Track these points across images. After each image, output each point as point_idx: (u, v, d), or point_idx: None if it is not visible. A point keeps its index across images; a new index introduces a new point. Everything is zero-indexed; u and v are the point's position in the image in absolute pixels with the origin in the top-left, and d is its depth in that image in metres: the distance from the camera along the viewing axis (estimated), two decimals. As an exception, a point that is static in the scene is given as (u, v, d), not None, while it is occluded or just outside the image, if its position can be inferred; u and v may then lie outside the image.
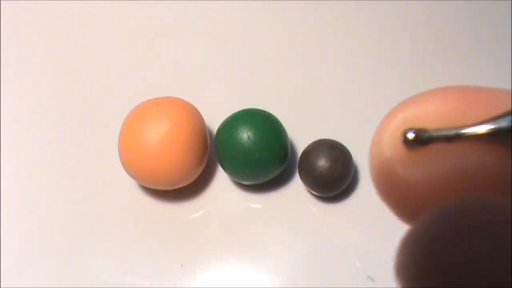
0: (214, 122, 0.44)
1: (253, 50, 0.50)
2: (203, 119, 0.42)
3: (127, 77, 0.49)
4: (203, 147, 0.41)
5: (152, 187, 0.42)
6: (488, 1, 0.51)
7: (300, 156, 0.41)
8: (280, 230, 0.42)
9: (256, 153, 0.39)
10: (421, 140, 0.14)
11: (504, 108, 0.13)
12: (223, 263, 0.41)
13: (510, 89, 0.15)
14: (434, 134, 0.14)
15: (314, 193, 0.42)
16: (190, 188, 0.43)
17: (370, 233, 0.41)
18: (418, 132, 0.14)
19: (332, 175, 0.39)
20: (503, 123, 0.14)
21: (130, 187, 0.44)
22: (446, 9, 0.51)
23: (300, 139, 0.44)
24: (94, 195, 0.44)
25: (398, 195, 0.14)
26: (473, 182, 0.13)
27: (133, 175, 0.41)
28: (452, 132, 0.13)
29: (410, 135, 0.14)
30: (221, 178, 0.44)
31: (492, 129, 0.13)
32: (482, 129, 0.13)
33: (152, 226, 0.42)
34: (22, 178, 0.45)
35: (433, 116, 0.13)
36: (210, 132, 0.44)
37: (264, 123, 0.40)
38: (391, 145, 0.13)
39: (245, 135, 0.39)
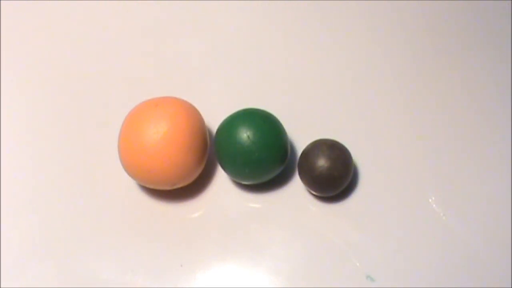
0: (214, 122, 0.44)
1: (253, 51, 0.50)
2: (203, 119, 0.42)
3: (127, 77, 0.49)
4: (203, 147, 0.41)
5: (152, 187, 0.42)
6: (488, 1, 0.51)
7: (300, 156, 0.41)
8: (280, 230, 0.42)
9: (255, 153, 0.39)
10: None
11: None
12: (222, 262, 0.41)
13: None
14: None
15: (314, 193, 0.42)
16: (190, 188, 0.43)
17: (370, 233, 0.41)
18: None
19: (331, 175, 0.39)
20: None
21: (130, 187, 0.44)
22: (446, 9, 0.51)
23: (300, 139, 0.44)
24: (94, 195, 0.44)
25: None
26: None
27: (133, 175, 0.41)
28: None
29: None
30: (221, 178, 0.44)
31: None
32: None
33: (152, 226, 0.42)
34: (22, 178, 0.45)
35: None
36: (210, 132, 0.44)
37: (263, 123, 0.40)
38: None
39: (244, 135, 0.39)
